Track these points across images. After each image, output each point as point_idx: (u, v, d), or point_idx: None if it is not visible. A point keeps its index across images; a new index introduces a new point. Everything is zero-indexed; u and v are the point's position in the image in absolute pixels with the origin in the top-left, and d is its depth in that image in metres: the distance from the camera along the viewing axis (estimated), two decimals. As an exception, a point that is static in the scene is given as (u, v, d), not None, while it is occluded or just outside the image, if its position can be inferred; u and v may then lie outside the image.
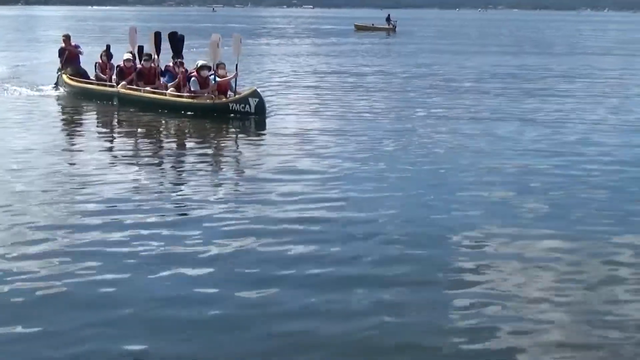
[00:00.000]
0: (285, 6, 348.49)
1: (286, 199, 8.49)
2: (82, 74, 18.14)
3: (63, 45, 18.72)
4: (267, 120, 14.12)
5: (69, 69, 18.27)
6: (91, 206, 8.23)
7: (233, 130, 13.76)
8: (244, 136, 13.34)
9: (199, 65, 14.92)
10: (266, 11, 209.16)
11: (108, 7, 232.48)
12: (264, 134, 13.16)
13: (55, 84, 18.72)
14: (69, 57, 18.43)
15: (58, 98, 17.67)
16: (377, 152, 11.32)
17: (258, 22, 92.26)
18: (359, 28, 68.64)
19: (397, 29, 65.55)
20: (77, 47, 18.90)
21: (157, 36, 16.56)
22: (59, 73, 18.56)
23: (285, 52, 35.24)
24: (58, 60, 18.72)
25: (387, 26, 66.99)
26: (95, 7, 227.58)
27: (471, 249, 6.99)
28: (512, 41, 51.04)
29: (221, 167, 10.77)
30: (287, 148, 11.55)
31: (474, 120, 14.48)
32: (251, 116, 14.15)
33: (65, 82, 17.89)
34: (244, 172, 10.32)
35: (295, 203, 8.32)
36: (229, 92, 14.90)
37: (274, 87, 19.30)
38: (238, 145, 12.65)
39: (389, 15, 71.60)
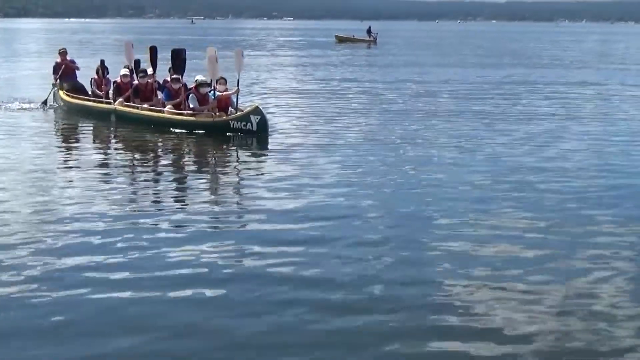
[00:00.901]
0: (265, 18, 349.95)
1: (285, 226, 8.16)
2: (79, 89, 17.50)
3: (59, 60, 17.98)
4: (270, 139, 13.56)
5: (65, 84, 17.61)
6: (86, 227, 7.96)
7: (234, 149, 13.25)
8: (245, 156, 12.79)
9: (197, 82, 14.41)
10: (247, 23, 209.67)
11: (87, 20, 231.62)
12: (266, 155, 12.60)
13: (44, 101, 17.93)
14: (65, 72, 17.76)
15: (54, 114, 17.08)
16: (379, 171, 10.94)
17: (238, 34, 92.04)
18: (340, 40, 68.76)
19: (377, 40, 65.74)
20: (73, 62, 18.24)
21: (153, 50, 15.96)
22: (54, 89, 17.82)
23: (270, 64, 34.89)
24: (52, 76, 17.96)
25: (368, 38, 67.13)
26: (72, 20, 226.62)
27: (460, 271, 6.82)
28: (492, 53, 51.29)
29: (221, 188, 10.31)
30: (289, 169, 11.06)
31: (469, 136, 14.19)
32: (253, 134, 13.61)
33: (62, 98, 17.26)
34: (244, 194, 9.86)
35: (295, 231, 8.00)
36: (230, 109, 14.36)
37: (269, 103, 18.65)
38: (239, 166, 12.09)
39: (369, 27, 71.76)
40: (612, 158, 12.33)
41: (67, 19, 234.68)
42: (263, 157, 12.46)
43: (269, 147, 13.11)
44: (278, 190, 9.72)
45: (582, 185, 10.23)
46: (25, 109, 17.56)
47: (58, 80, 17.83)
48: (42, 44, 58.35)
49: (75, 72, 18.12)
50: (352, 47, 57.27)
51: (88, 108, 16.49)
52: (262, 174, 10.93)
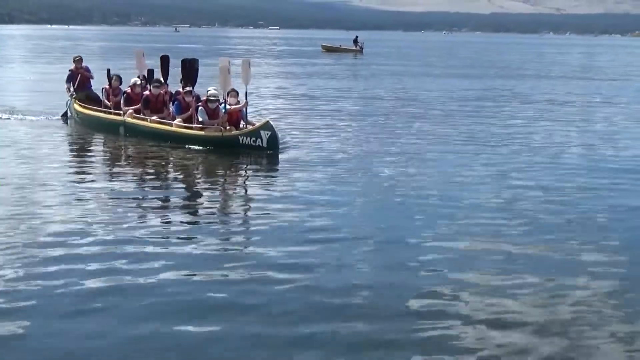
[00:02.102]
0: (251, 27, 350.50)
1: (295, 247, 7.89)
2: (94, 99, 16.68)
3: (73, 68, 17.18)
4: (280, 156, 12.96)
5: (79, 93, 16.86)
6: (87, 243, 7.80)
7: (243, 165, 12.70)
8: (254, 172, 12.24)
9: (207, 95, 13.78)
10: (232, 32, 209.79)
11: (72, 27, 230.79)
12: (276, 175, 11.93)
13: (64, 113, 17.22)
14: (81, 81, 16.98)
15: (67, 125, 16.60)
16: (388, 188, 10.68)
17: (222, 42, 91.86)
18: (326, 49, 68.86)
19: (364, 50, 65.93)
20: (87, 70, 17.40)
21: (165, 60, 15.46)
22: (70, 100, 16.97)
23: (259, 74, 34.49)
24: (66, 85, 17.11)
25: (354, 48, 67.34)
26: (56, 26, 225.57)
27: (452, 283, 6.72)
28: (478, 64, 51.54)
29: (227, 207, 9.90)
30: (299, 188, 10.63)
31: (477, 151, 14.05)
32: (263, 151, 13.03)
33: (75, 109, 16.61)
34: (251, 213, 9.42)
35: (305, 251, 7.76)
36: (242, 122, 13.86)
37: (264, 114, 17.93)
38: (247, 183, 11.63)
39: (356, 37, 71.96)
40: (603, 174, 12.14)
41: (50, 26, 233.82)
42: (273, 175, 11.90)
43: (279, 164, 12.58)
44: (287, 210, 9.33)
45: (570, 202, 10.08)
46: (25, 120, 16.91)
47: (73, 90, 16.99)
48: (26, 51, 57.99)
49: (90, 81, 17.35)
50: (340, 57, 57.23)
51: (99, 119, 15.86)
52: (271, 193, 10.45)
